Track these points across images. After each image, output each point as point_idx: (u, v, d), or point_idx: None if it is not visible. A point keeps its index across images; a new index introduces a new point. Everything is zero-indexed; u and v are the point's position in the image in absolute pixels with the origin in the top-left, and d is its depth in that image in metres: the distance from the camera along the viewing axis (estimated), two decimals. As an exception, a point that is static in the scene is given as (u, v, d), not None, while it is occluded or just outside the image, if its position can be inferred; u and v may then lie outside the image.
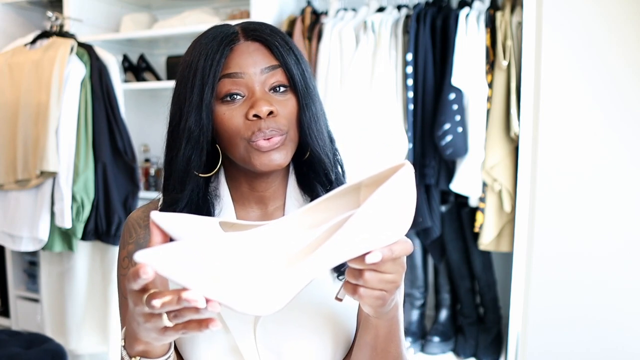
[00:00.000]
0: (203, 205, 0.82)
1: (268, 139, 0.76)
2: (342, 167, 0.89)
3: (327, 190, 0.83)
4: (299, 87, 0.79)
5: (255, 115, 0.76)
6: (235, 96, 0.78)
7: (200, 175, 0.80)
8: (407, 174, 0.62)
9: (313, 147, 0.81)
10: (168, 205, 0.82)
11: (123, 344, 0.69)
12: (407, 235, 0.64)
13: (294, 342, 0.80)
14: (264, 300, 0.57)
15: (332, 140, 0.87)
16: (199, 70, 0.77)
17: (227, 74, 0.77)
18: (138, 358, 0.67)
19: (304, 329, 0.80)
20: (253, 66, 0.78)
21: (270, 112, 0.76)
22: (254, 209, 0.86)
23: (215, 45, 0.77)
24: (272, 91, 0.79)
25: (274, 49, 0.79)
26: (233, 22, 0.85)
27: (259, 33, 0.80)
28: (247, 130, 0.77)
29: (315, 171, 0.84)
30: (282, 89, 0.79)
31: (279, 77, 0.79)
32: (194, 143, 0.78)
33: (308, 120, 0.80)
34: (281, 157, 0.78)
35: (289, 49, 0.80)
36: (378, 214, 0.60)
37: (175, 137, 0.80)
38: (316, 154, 0.82)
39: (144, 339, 0.63)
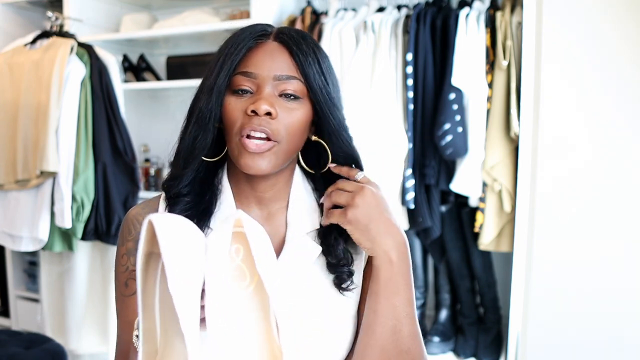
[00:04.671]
0: (205, 193, 0.84)
1: (257, 140, 0.77)
2: None
3: None
4: (316, 98, 0.81)
5: (253, 112, 0.77)
6: (245, 90, 0.79)
7: (203, 158, 0.82)
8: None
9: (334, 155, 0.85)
10: (171, 179, 0.84)
11: (137, 333, 0.70)
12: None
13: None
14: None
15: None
16: (222, 57, 0.80)
17: (243, 72, 0.79)
18: None
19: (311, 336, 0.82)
20: (269, 69, 0.79)
21: (269, 113, 0.77)
22: (254, 209, 0.86)
23: (244, 37, 0.80)
24: (282, 96, 0.80)
25: (295, 57, 0.80)
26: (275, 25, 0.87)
27: (286, 37, 0.81)
28: (242, 125, 0.78)
29: (331, 182, 0.86)
30: (292, 96, 0.80)
31: (292, 86, 0.80)
32: (201, 124, 0.80)
33: (329, 131, 0.82)
34: (265, 163, 0.79)
35: (313, 58, 0.81)
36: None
37: (190, 115, 0.83)
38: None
39: None
